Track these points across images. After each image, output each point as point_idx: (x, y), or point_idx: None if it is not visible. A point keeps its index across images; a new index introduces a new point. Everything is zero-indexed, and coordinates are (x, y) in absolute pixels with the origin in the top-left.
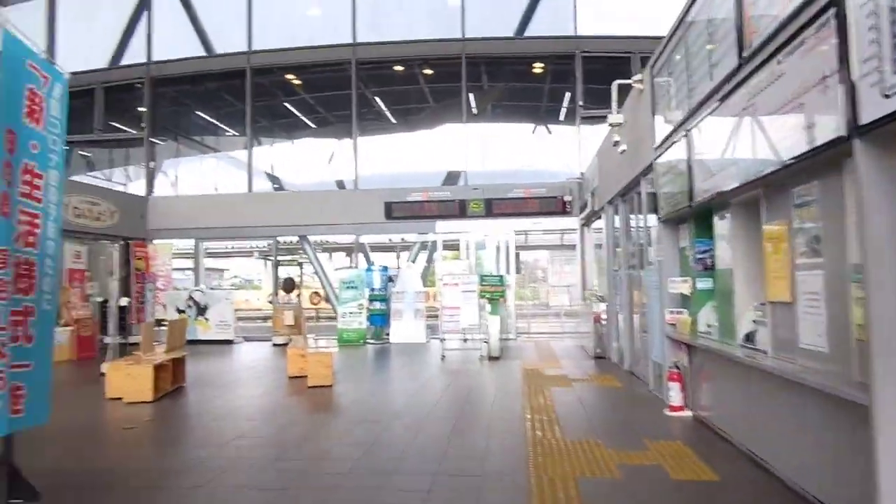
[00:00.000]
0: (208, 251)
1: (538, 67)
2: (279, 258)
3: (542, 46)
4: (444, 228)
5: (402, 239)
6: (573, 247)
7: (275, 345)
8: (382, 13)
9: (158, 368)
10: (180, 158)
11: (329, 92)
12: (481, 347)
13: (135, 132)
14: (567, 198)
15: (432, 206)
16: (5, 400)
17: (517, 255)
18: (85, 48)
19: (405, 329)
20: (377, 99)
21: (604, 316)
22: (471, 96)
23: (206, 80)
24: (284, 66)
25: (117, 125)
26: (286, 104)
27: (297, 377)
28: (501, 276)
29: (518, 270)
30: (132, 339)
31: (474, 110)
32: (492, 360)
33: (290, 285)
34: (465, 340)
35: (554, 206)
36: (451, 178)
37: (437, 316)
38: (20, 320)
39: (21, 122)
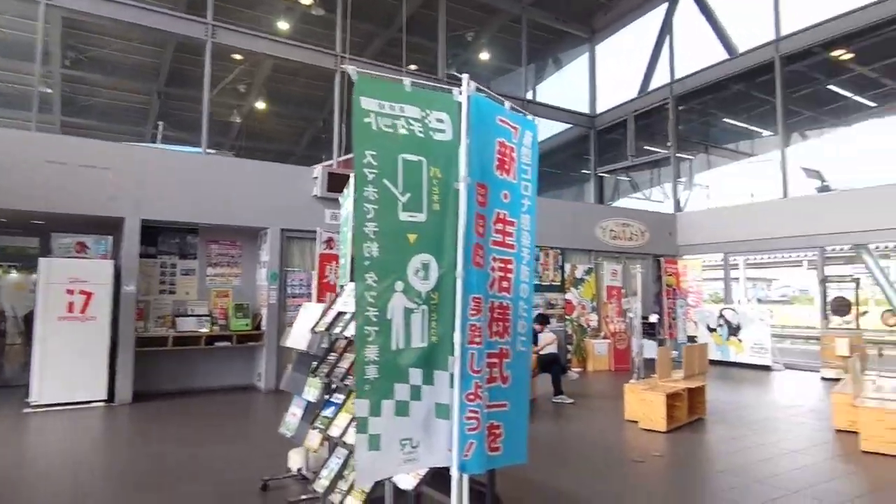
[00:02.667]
0: (749, 262)
1: None
2: (827, 275)
3: None
4: None
5: None
6: None
7: (823, 378)
8: None
9: (672, 397)
10: (712, 170)
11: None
12: None
13: (663, 151)
14: None
15: None
16: (482, 439)
17: None
18: (620, 86)
19: None
20: None
21: None
22: None
23: (729, 84)
24: (824, 43)
25: (649, 148)
26: (831, 87)
27: (846, 432)
28: None
29: None
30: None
31: None
32: None
33: (842, 307)
34: None
35: None
36: None
37: None
38: (495, 362)
39: (493, 175)
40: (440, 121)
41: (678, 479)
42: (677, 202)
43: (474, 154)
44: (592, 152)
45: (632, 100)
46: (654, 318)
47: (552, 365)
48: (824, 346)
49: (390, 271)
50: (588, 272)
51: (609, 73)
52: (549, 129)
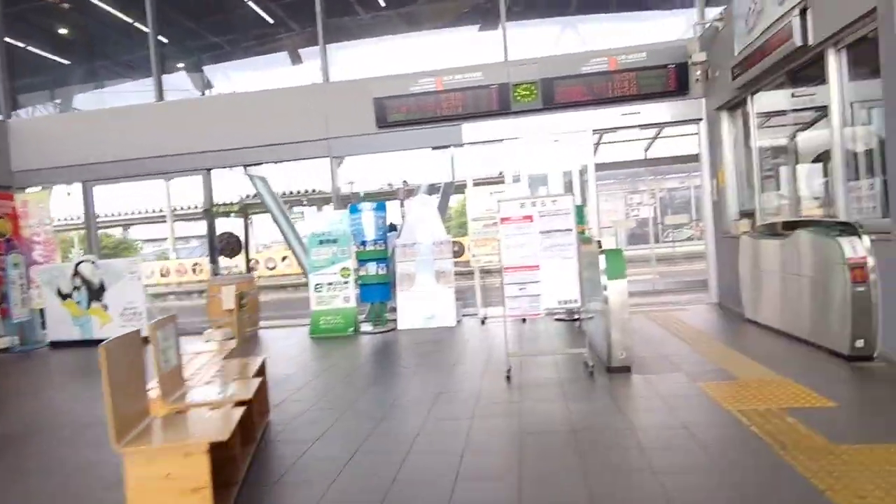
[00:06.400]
0: (176, 214)
1: None
2: (214, 202)
3: None
4: (474, 135)
5: (405, 183)
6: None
7: (208, 342)
8: None
9: None
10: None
11: None
12: (585, 347)
13: None
14: (696, 65)
15: (453, 100)
16: None
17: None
18: None
19: (421, 305)
20: None
21: (871, 265)
22: None
23: None
24: None
25: None
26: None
27: None
28: (581, 207)
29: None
30: None
31: None
32: (613, 372)
33: (232, 245)
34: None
35: (662, 81)
36: None
37: (468, 276)
38: None
39: None
40: None
41: None
42: (12, 100)
43: None
44: None
45: None
46: None
47: None
48: (211, 299)
49: None
50: None
51: None
52: None
